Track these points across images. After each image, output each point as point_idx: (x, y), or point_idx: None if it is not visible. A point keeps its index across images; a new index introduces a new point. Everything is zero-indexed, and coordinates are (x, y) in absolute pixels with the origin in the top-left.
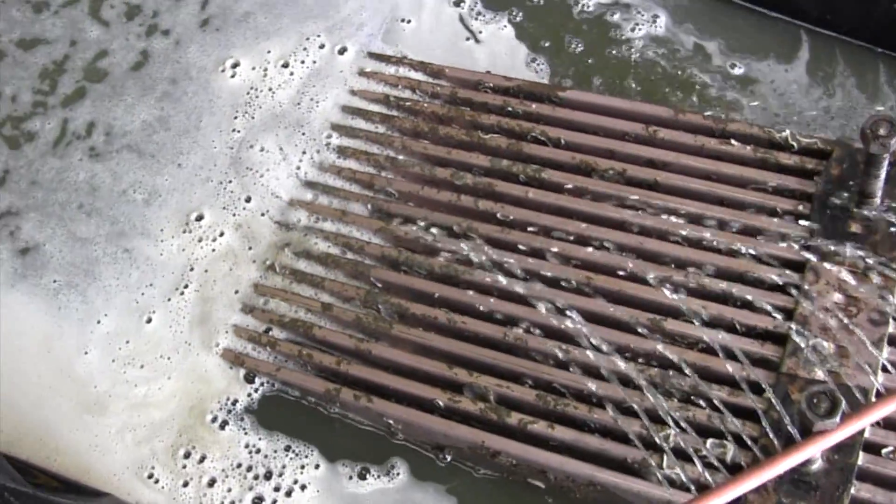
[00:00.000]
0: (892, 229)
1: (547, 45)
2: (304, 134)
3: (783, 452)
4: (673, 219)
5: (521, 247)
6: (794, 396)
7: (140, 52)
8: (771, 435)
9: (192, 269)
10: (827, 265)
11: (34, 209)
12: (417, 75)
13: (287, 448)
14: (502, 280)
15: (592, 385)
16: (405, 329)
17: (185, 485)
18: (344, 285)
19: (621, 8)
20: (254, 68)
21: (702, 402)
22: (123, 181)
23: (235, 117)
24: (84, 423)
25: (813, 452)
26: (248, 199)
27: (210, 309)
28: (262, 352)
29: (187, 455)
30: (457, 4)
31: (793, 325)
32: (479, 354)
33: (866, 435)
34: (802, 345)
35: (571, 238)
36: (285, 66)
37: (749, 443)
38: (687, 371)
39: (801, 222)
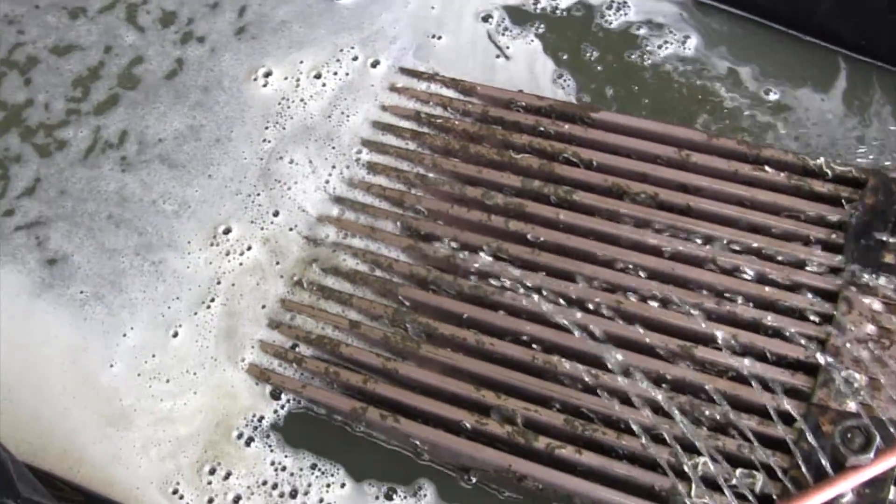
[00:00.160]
0: None
1: (573, 61)
2: (334, 148)
3: (816, 487)
4: (705, 245)
5: (551, 269)
6: (825, 428)
7: (175, 60)
8: (802, 466)
9: (218, 283)
10: (860, 296)
11: (63, 219)
12: (449, 92)
13: (313, 466)
14: (531, 302)
15: (621, 411)
16: (433, 349)
17: (210, 501)
18: (372, 303)
19: (652, 27)
20: (286, 78)
21: (731, 431)
22: (153, 192)
23: (266, 127)
24: (108, 436)
25: (846, 488)
26: (276, 213)
27: (236, 323)
28: (289, 368)
29: (212, 471)
30: (485, 20)
31: (825, 356)
32: (507, 377)
33: None
34: (834, 376)
35: (602, 261)
36: (318, 77)
37: (779, 473)
38: (717, 399)
39: (835, 252)
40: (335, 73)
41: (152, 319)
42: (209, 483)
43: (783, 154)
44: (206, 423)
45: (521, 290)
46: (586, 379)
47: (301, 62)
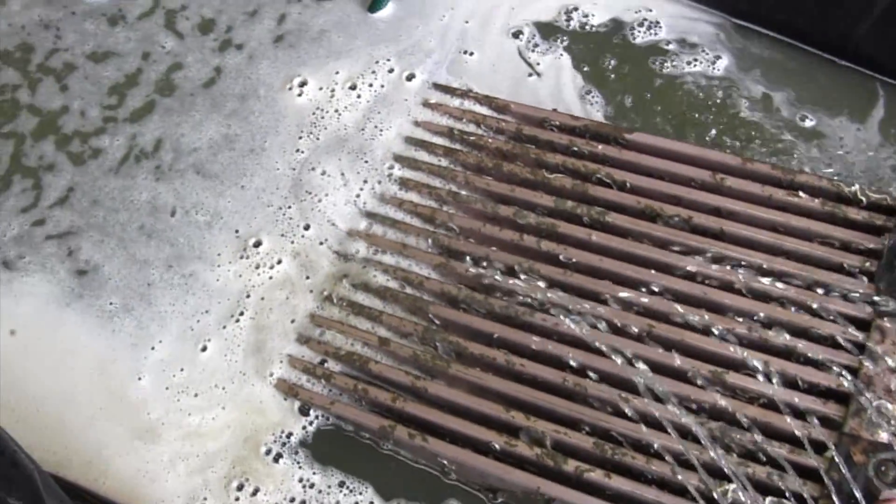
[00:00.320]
0: None
1: (601, 78)
2: (366, 162)
3: None
4: (738, 269)
5: (582, 290)
6: (856, 458)
7: (214, 68)
8: (833, 496)
9: (248, 297)
10: (893, 325)
11: (94, 228)
12: (482, 109)
13: (341, 484)
14: (562, 323)
15: (651, 435)
16: (462, 368)
17: None
18: (402, 320)
19: (684, 46)
20: (321, 88)
21: (762, 459)
22: (186, 202)
23: (300, 137)
24: (135, 448)
25: None
26: (306, 227)
27: (265, 338)
28: (317, 384)
29: (240, 487)
30: (516, 36)
31: (857, 385)
32: (536, 398)
33: None
34: (866, 405)
35: (634, 284)
36: (353, 88)
37: (809, 503)
38: (747, 426)
39: (868, 279)
40: (370, 85)
41: (181, 333)
42: (237, 499)
43: (817, 179)
44: (234, 439)
45: (552, 311)
46: (616, 402)
47: (337, 73)
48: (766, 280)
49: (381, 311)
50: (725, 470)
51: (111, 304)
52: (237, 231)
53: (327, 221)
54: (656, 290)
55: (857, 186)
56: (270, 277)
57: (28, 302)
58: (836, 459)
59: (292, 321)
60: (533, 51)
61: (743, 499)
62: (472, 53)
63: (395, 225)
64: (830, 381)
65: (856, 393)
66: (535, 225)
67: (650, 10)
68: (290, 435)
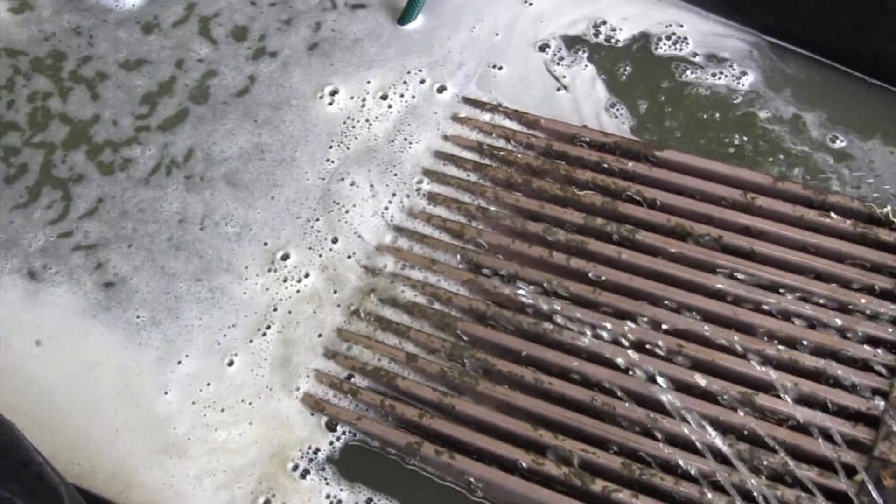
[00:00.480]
0: None
1: (627, 91)
2: (395, 175)
3: None
4: (768, 290)
5: (611, 309)
6: (886, 482)
7: (247, 76)
8: None
9: (275, 310)
10: None
11: (123, 240)
12: (512, 124)
13: (368, 501)
14: (591, 342)
15: (679, 456)
16: (490, 386)
17: None
18: (430, 336)
19: (714, 62)
20: (352, 97)
21: (791, 481)
22: (216, 214)
23: (330, 146)
24: (160, 462)
25: None
26: (334, 241)
27: (292, 352)
28: (343, 399)
29: (267, 503)
30: (542, 49)
31: (888, 408)
32: (564, 417)
33: None
34: None
35: (664, 303)
36: (384, 97)
37: None
38: (776, 448)
39: None
40: (401, 96)
41: (208, 347)
42: None
43: (849, 201)
44: (261, 454)
45: (581, 330)
46: (645, 422)
47: (368, 82)
48: (796, 301)
49: (408, 326)
50: (754, 492)
51: (138, 317)
52: (265, 243)
53: (354, 234)
54: (686, 309)
55: (888, 208)
56: (298, 291)
57: (54, 313)
58: (866, 483)
59: (319, 335)
60: (559, 64)
61: None
62: (500, 68)
63: (424, 240)
64: (860, 404)
65: (886, 416)
66: (564, 242)
67: (681, 26)
68: (317, 451)
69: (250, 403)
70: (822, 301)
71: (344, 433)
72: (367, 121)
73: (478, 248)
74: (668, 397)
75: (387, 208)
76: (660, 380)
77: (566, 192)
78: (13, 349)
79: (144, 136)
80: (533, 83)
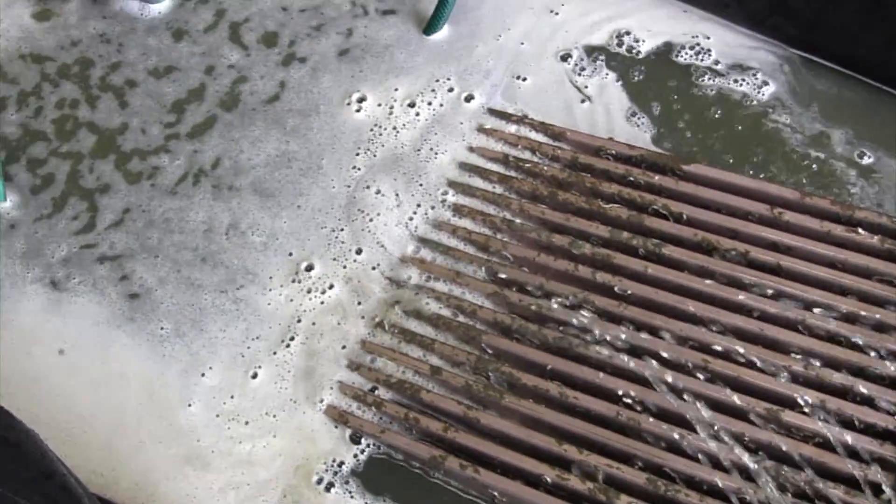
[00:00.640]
0: None
1: (649, 101)
2: (420, 185)
3: None
4: (795, 306)
5: (637, 323)
6: None
7: (278, 82)
8: None
9: (299, 321)
10: None
11: (149, 251)
12: (538, 136)
13: None
14: (617, 356)
15: (705, 472)
16: (515, 399)
17: None
18: (454, 349)
19: (738, 74)
20: (380, 104)
21: (816, 499)
22: (242, 223)
23: (357, 154)
24: (184, 474)
25: None
26: (358, 251)
27: (315, 364)
28: (367, 411)
29: None
30: (564, 59)
31: None
32: (589, 432)
33: None
34: None
35: (690, 318)
36: (412, 105)
37: None
38: (802, 465)
39: None
40: (429, 104)
41: (232, 360)
42: None
43: (877, 216)
44: (285, 467)
45: (607, 344)
46: (670, 438)
47: (396, 89)
48: (822, 317)
49: (433, 339)
50: None
51: (162, 328)
52: (290, 253)
53: (377, 243)
54: (712, 324)
55: None
56: (322, 302)
57: (77, 323)
58: (893, 502)
59: (343, 347)
60: (580, 74)
61: None
62: (525, 79)
63: (448, 252)
64: (888, 422)
65: None
66: (590, 255)
67: (708, 38)
68: (341, 464)
69: (274, 416)
70: (849, 318)
71: (368, 446)
72: (394, 128)
73: (503, 261)
74: (693, 413)
75: (411, 219)
76: (685, 395)
77: (592, 205)
78: (35, 358)
79: (173, 144)
80: (556, 93)
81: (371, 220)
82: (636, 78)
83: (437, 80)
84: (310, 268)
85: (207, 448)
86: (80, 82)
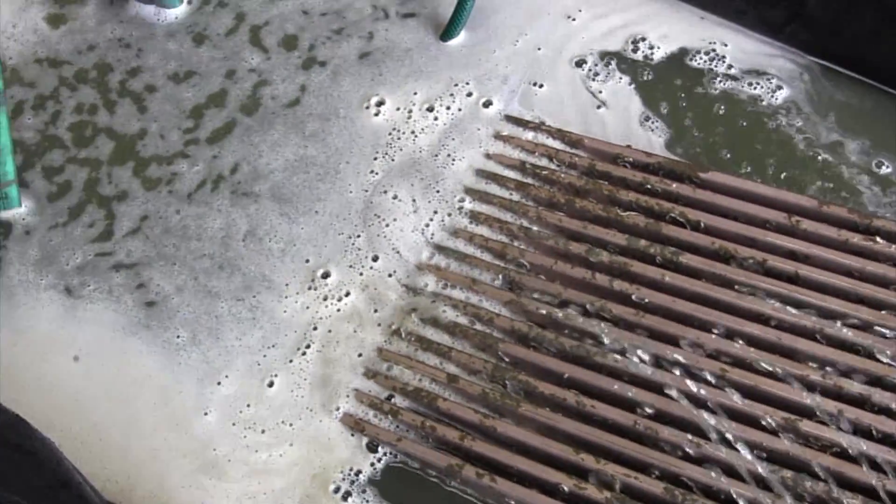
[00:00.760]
0: None
1: (660, 104)
2: (437, 192)
3: None
4: (812, 315)
5: (654, 332)
6: None
7: (299, 86)
8: None
9: (315, 329)
10: None
11: (165, 258)
12: (555, 143)
13: None
14: (634, 365)
15: (722, 482)
16: (532, 408)
17: None
18: (471, 357)
19: (754, 80)
20: (398, 108)
21: None
22: (260, 229)
23: (375, 158)
24: (200, 483)
25: None
26: (375, 258)
27: (331, 371)
28: (384, 419)
29: None
30: (579, 65)
31: None
32: (607, 441)
33: None
34: None
35: (707, 327)
36: (430, 109)
37: None
38: (821, 475)
39: None
40: (448, 108)
41: (248, 368)
42: None
43: (894, 225)
44: (302, 476)
45: (624, 352)
46: (687, 447)
47: (415, 93)
48: (840, 326)
49: (450, 346)
50: None
51: (179, 337)
52: (307, 260)
53: (393, 249)
54: (729, 333)
55: None
56: (338, 310)
57: (91, 329)
58: None
59: (359, 355)
60: (594, 79)
61: None
62: (541, 86)
63: (465, 259)
64: None
65: None
66: (607, 263)
67: (725, 45)
68: (358, 472)
69: (291, 425)
70: (867, 327)
71: (385, 454)
72: (412, 132)
73: (520, 269)
74: (711, 422)
75: (427, 225)
76: (703, 404)
77: (609, 213)
78: (51, 364)
79: (192, 149)
80: (571, 99)
81: (387, 224)
82: (650, 83)
83: (457, 85)
84: (326, 275)
85: (224, 457)
86: (98, 87)
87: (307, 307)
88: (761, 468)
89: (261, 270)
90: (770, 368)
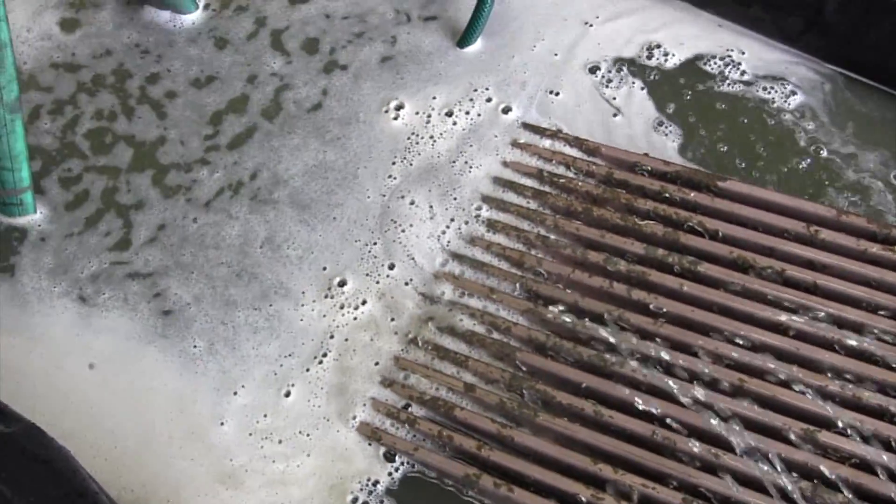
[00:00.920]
0: None
1: (674, 110)
2: (454, 199)
3: None
4: (831, 325)
5: (673, 341)
6: None
7: (321, 90)
8: None
9: (332, 337)
10: None
11: (182, 267)
12: (572, 151)
13: None
14: (652, 375)
15: (740, 493)
16: (549, 418)
17: None
18: (488, 366)
19: (768, 87)
20: (417, 113)
21: None
22: (278, 236)
23: (393, 162)
24: (216, 492)
25: None
26: (391, 267)
27: (348, 380)
28: (401, 429)
29: None
30: (592, 72)
31: None
32: (624, 451)
33: None
34: None
35: (725, 337)
36: (449, 114)
37: None
38: (840, 486)
39: None
40: (467, 113)
41: (264, 378)
42: None
43: None
44: (320, 487)
45: (642, 362)
46: (706, 457)
47: (434, 98)
48: (859, 336)
49: (467, 355)
50: None
51: (195, 346)
52: (325, 268)
53: (408, 256)
54: (748, 343)
55: None
56: (355, 318)
57: (107, 338)
58: None
59: (376, 364)
60: (607, 86)
61: None
62: (557, 93)
63: (482, 267)
64: None
65: None
66: (625, 272)
67: (743, 53)
68: (376, 483)
69: (308, 435)
70: (885, 337)
71: (402, 464)
72: (430, 137)
73: (537, 278)
74: (728, 432)
75: (443, 232)
76: (721, 414)
77: (627, 222)
78: (66, 372)
79: (213, 155)
80: (587, 106)
81: (403, 230)
82: (664, 89)
83: (476, 90)
84: (342, 283)
85: (241, 467)
86: (116, 93)
87: (324, 315)
88: (780, 479)
89: (278, 278)
90: (788, 378)
